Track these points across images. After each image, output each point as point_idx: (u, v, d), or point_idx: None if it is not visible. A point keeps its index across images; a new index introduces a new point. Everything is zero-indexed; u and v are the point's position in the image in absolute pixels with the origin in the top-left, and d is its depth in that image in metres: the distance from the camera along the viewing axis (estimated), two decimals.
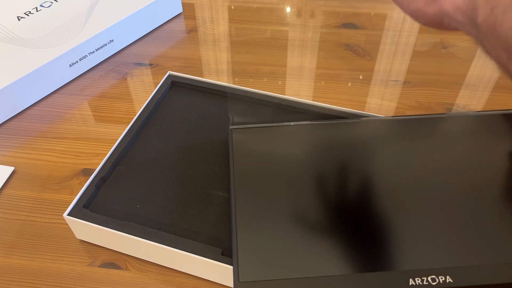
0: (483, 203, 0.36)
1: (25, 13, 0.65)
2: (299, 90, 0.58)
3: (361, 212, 0.37)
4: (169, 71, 0.56)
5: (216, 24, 0.71)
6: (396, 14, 0.71)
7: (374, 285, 0.32)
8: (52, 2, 0.67)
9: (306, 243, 0.35)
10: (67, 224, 0.44)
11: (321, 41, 0.66)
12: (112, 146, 0.47)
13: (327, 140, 0.44)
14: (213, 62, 0.64)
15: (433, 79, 0.59)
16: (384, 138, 0.43)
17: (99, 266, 0.40)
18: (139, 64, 0.63)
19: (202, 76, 0.61)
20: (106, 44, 0.63)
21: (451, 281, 0.32)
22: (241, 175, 0.41)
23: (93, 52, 0.62)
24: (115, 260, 0.41)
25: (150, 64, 0.63)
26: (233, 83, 0.60)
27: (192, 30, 0.70)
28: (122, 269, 0.40)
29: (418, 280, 0.32)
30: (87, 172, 0.49)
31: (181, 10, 0.73)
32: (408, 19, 0.70)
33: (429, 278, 0.32)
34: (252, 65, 0.63)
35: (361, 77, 0.60)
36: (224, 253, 0.37)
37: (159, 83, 0.55)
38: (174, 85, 0.56)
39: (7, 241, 0.43)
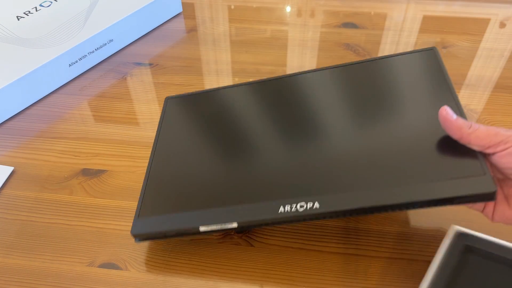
0: (354, 136, 0.40)
1: (25, 13, 0.65)
2: None
3: (244, 154, 0.42)
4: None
5: (216, 23, 0.71)
6: (396, 14, 0.71)
7: (249, 213, 0.37)
8: (51, 2, 0.67)
9: (199, 189, 0.40)
10: (67, 224, 0.44)
11: (321, 40, 0.66)
12: (112, 146, 0.47)
13: (247, 100, 0.48)
14: (213, 62, 0.63)
15: None
16: (289, 93, 0.47)
17: (99, 266, 0.40)
18: (139, 64, 0.63)
19: (202, 76, 0.61)
20: (105, 44, 0.63)
21: (318, 207, 0.35)
22: (163, 141, 0.46)
23: (93, 52, 0.62)
24: (115, 260, 0.41)
25: (150, 64, 0.63)
26: (233, 83, 0.60)
27: (192, 30, 0.70)
28: (121, 269, 0.40)
29: (287, 207, 0.36)
30: (86, 172, 0.49)
31: (181, 10, 0.73)
32: (409, 18, 0.70)
33: (298, 205, 0.36)
34: (252, 65, 0.62)
35: None
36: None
37: (159, 83, 0.55)
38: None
39: (6, 241, 0.43)
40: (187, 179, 0.42)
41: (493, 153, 0.34)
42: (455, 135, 0.35)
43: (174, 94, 0.52)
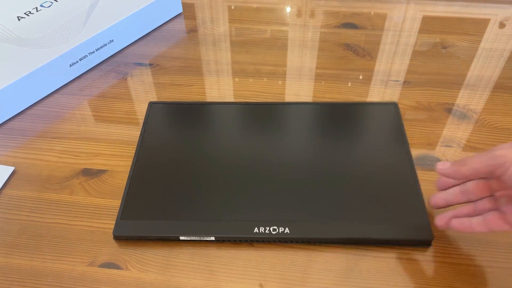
0: (326, 176, 0.45)
1: (25, 13, 0.65)
2: (299, 90, 0.58)
3: (228, 179, 0.45)
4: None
5: (216, 24, 0.71)
6: (396, 14, 0.71)
7: (227, 229, 0.41)
8: (52, 2, 0.67)
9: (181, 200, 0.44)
10: (67, 224, 0.44)
11: (321, 41, 0.67)
12: (112, 146, 0.47)
13: (230, 120, 0.52)
14: (213, 62, 0.64)
15: (433, 79, 0.59)
16: (263, 121, 0.52)
17: (99, 266, 0.41)
18: (139, 64, 0.63)
19: (202, 76, 0.61)
20: (106, 44, 0.63)
21: (288, 232, 0.40)
22: (146, 146, 0.49)
23: (93, 52, 0.62)
24: (115, 260, 0.41)
25: (150, 64, 0.63)
26: (233, 83, 0.60)
27: (192, 30, 0.70)
28: (122, 269, 0.40)
29: (262, 228, 0.41)
30: (87, 172, 0.49)
31: (181, 10, 0.73)
32: (408, 19, 0.70)
33: (271, 228, 0.41)
34: (252, 65, 0.63)
35: (361, 77, 0.60)
36: None
37: (159, 83, 0.55)
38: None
39: (7, 241, 0.43)
40: (169, 188, 0.45)
41: (499, 176, 0.33)
42: (458, 178, 0.37)
43: (157, 100, 0.55)
